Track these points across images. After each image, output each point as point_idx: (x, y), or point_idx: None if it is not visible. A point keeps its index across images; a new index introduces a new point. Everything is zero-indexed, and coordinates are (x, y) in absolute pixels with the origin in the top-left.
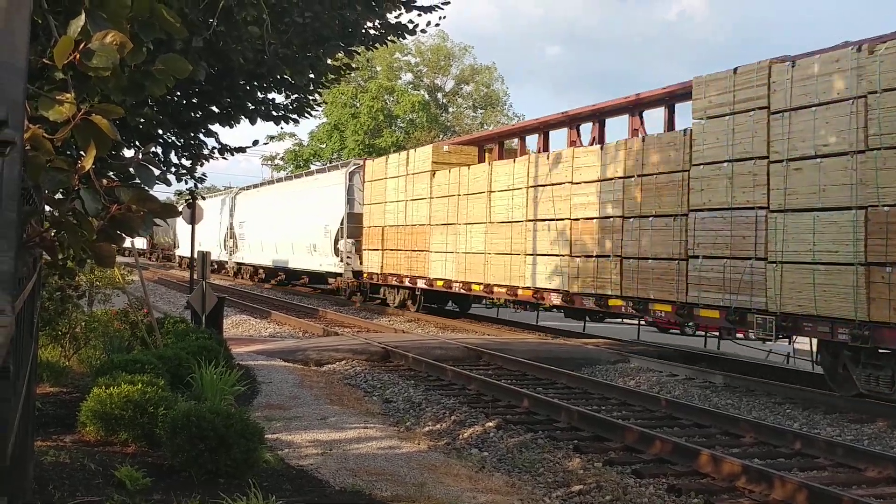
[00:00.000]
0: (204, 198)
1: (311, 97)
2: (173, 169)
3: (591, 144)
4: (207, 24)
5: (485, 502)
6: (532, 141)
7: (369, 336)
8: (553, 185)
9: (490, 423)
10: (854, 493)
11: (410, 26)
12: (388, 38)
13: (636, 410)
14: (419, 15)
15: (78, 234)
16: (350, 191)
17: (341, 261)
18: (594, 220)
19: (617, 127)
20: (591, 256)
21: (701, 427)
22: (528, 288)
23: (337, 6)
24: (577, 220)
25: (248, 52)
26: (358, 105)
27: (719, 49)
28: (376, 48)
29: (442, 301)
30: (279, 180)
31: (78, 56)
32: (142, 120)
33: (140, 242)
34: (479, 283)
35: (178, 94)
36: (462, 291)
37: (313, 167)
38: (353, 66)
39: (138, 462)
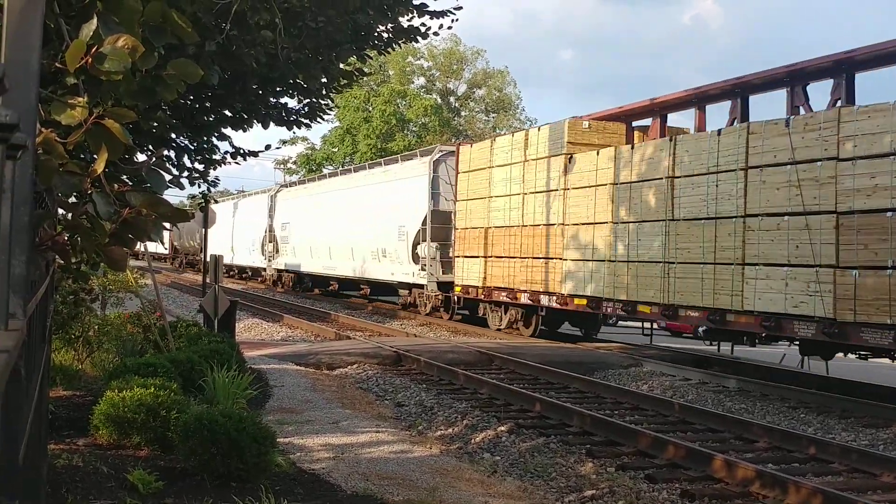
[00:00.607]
0: (242, 192)
1: (323, 101)
2: (186, 173)
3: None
4: (220, 28)
5: None
6: (686, 117)
7: (381, 340)
8: (802, 162)
9: (502, 428)
10: (869, 499)
11: (423, 30)
12: (401, 41)
13: (649, 415)
14: (431, 18)
15: (91, 238)
16: (434, 184)
17: (422, 269)
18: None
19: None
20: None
21: (714, 432)
22: (750, 313)
23: (349, 10)
24: (852, 213)
25: (261, 57)
26: (370, 109)
27: (735, 51)
28: (388, 52)
29: (558, 322)
30: (332, 174)
31: (90, 60)
32: (155, 124)
33: (161, 247)
34: (651, 304)
35: (191, 98)
36: (620, 312)
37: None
38: (366, 70)
39: (151, 465)
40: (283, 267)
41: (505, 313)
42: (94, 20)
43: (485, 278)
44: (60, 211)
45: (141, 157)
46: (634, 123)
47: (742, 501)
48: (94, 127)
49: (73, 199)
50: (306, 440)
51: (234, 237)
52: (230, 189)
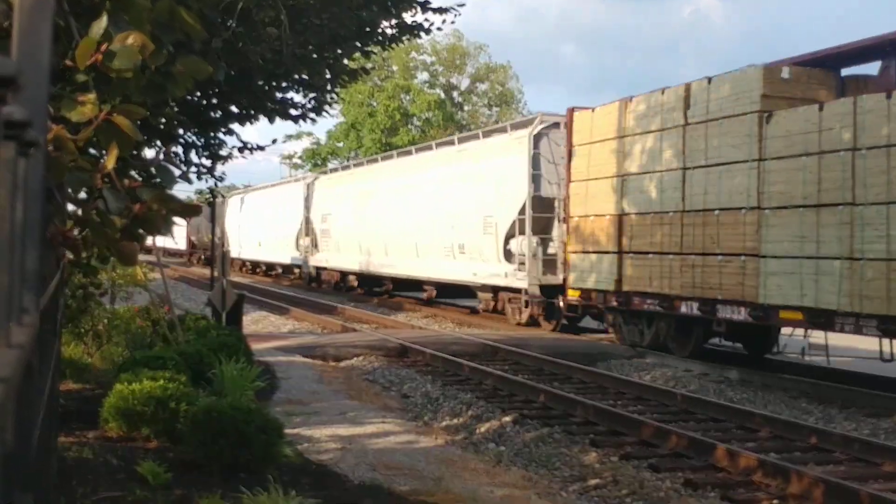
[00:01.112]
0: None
1: (328, 96)
2: (193, 168)
3: None
4: (226, 25)
5: (502, 496)
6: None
7: (387, 332)
8: None
9: (507, 418)
10: (871, 488)
11: (426, 26)
12: (404, 37)
13: (652, 405)
14: (434, 14)
15: (102, 233)
16: (535, 163)
17: (518, 269)
18: None
19: None
20: None
21: (717, 421)
22: None
23: (354, 7)
24: None
25: (267, 53)
26: (374, 104)
27: (736, 45)
28: (392, 48)
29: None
30: (386, 156)
31: (100, 57)
32: (163, 120)
33: (179, 242)
34: None
35: (199, 94)
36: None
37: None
38: (370, 66)
39: (160, 457)
40: (323, 264)
41: (649, 327)
42: (104, 18)
43: (620, 279)
44: (70, 206)
45: (149, 153)
46: (845, 71)
47: (744, 490)
48: (105, 123)
49: (82, 195)
50: (314, 431)
51: (261, 231)
52: (236, 184)
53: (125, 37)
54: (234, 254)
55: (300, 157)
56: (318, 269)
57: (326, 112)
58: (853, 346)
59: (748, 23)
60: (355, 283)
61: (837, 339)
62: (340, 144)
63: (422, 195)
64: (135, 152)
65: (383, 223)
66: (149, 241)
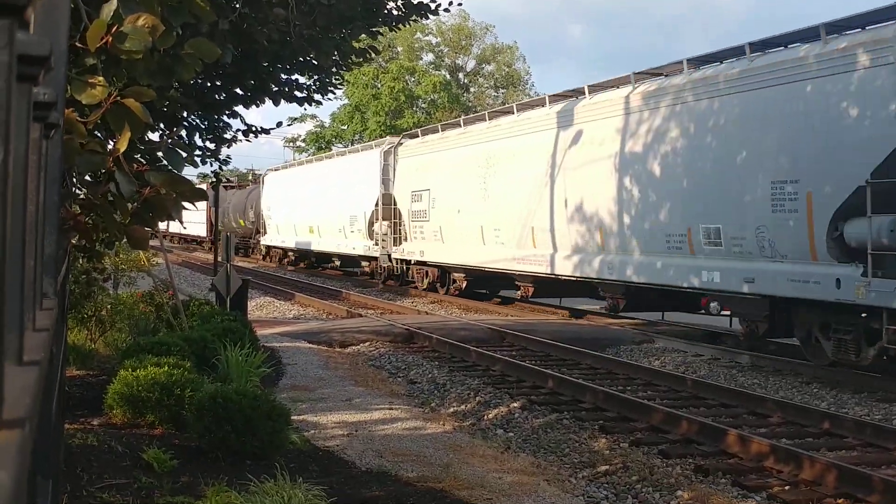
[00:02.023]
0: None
1: (334, 78)
2: (197, 151)
3: None
4: (233, 6)
5: (511, 483)
6: None
7: (393, 318)
8: None
9: (515, 404)
10: (884, 473)
11: (433, 6)
12: (411, 18)
13: (662, 391)
14: None
15: (112, 217)
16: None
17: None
18: None
19: None
20: None
21: (727, 407)
22: None
23: None
24: None
25: (274, 34)
26: (379, 86)
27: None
28: (399, 28)
29: None
30: (522, 107)
31: (111, 39)
32: (167, 103)
33: (196, 227)
34: None
35: (203, 76)
36: None
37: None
38: (378, 48)
39: (165, 444)
40: (413, 256)
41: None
42: (115, 0)
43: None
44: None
45: (153, 137)
46: None
47: (756, 476)
48: (115, 106)
49: (88, 178)
50: (320, 417)
51: (313, 214)
52: (239, 168)
53: (136, 18)
54: (271, 241)
55: (304, 141)
56: (404, 262)
57: (332, 93)
58: None
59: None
60: (463, 284)
61: None
62: (345, 127)
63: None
64: (140, 136)
65: (541, 200)
66: (162, 225)
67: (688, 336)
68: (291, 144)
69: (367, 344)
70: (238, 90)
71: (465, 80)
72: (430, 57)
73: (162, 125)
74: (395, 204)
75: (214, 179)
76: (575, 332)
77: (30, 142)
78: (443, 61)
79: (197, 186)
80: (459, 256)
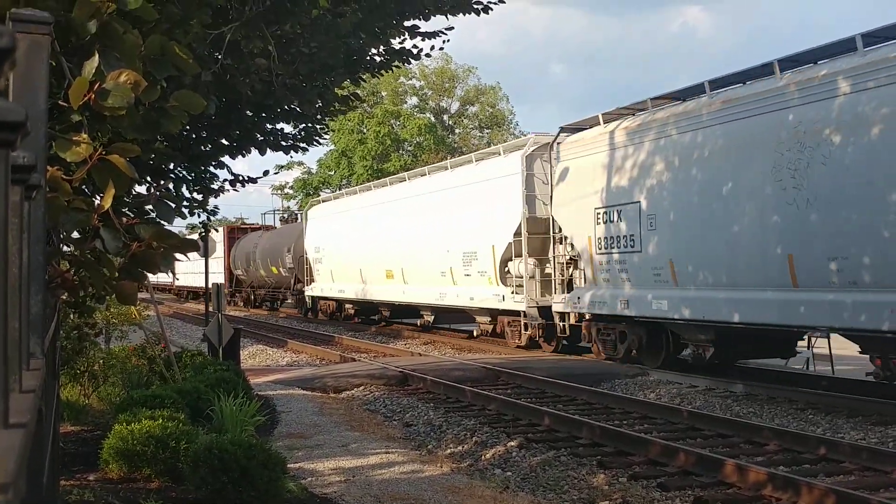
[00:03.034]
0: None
1: (318, 125)
2: (185, 203)
3: None
4: (215, 58)
5: None
6: None
7: (386, 360)
8: None
9: (512, 443)
10: (882, 497)
11: (415, 51)
12: (393, 64)
13: (658, 423)
14: (423, 40)
15: (100, 273)
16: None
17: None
18: None
19: None
20: None
21: (724, 437)
22: None
23: (342, 35)
24: None
25: (256, 84)
26: (364, 131)
27: (724, 55)
28: (381, 74)
29: None
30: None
31: (93, 96)
32: (153, 155)
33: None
34: None
35: (188, 128)
36: None
37: None
38: (361, 95)
39: (162, 497)
40: (604, 309)
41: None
42: (96, 56)
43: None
44: (65, 248)
45: (139, 190)
46: None
47: None
48: (100, 163)
49: (75, 235)
50: (316, 464)
51: (393, 252)
52: (228, 217)
53: (118, 75)
54: (322, 290)
55: (291, 188)
56: (587, 319)
57: (317, 141)
58: (857, 357)
59: (736, 35)
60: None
61: (840, 350)
62: (332, 173)
63: None
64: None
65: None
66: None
67: (682, 367)
68: (279, 192)
69: (362, 388)
70: (224, 141)
71: (450, 122)
72: (414, 100)
73: (148, 178)
74: (562, 232)
75: (203, 230)
76: (569, 368)
77: (10, 205)
78: (427, 104)
79: (188, 237)
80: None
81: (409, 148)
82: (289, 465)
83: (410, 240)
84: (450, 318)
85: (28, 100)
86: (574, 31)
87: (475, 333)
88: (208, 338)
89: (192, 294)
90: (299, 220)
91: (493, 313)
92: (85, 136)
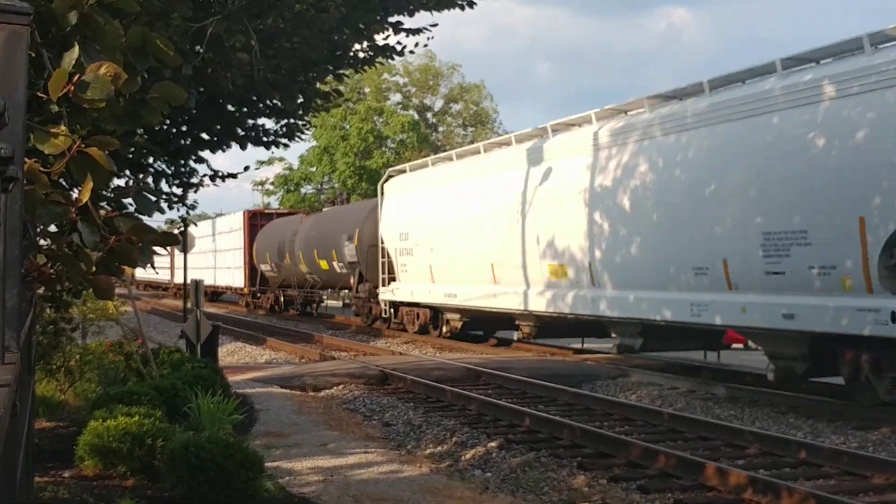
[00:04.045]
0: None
1: (300, 121)
2: (164, 197)
3: None
4: (196, 51)
5: None
6: None
7: (367, 359)
8: None
9: (492, 444)
10: (862, 501)
11: (398, 48)
12: (377, 60)
13: (639, 425)
14: (407, 36)
15: (77, 268)
16: None
17: None
18: None
19: None
20: None
21: (705, 440)
22: None
23: (325, 30)
24: None
25: (238, 79)
26: (347, 127)
27: (710, 56)
28: (365, 70)
29: None
30: None
31: (73, 88)
32: (132, 149)
33: (221, 274)
34: None
35: (168, 121)
36: None
37: None
38: (343, 91)
39: (138, 495)
40: None
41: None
42: (76, 48)
43: None
44: (42, 241)
45: (118, 183)
46: None
47: None
48: (79, 155)
49: (53, 228)
50: (294, 464)
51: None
52: (207, 213)
53: (97, 67)
54: (411, 294)
55: (272, 184)
56: None
57: (299, 137)
58: None
59: (723, 39)
60: None
61: None
62: (313, 169)
63: None
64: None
65: None
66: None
67: (663, 369)
68: (260, 187)
69: (341, 387)
70: (204, 135)
71: (434, 120)
72: (397, 97)
73: (128, 172)
74: None
75: (183, 225)
76: (551, 369)
77: None
78: (410, 101)
79: (168, 231)
80: None
81: (391, 145)
82: (266, 464)
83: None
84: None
85: (6, 91)
86: (559, 30)
87: None
88: (186, 334)
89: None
90: (360, 198)
91: None
92: (64, 128)
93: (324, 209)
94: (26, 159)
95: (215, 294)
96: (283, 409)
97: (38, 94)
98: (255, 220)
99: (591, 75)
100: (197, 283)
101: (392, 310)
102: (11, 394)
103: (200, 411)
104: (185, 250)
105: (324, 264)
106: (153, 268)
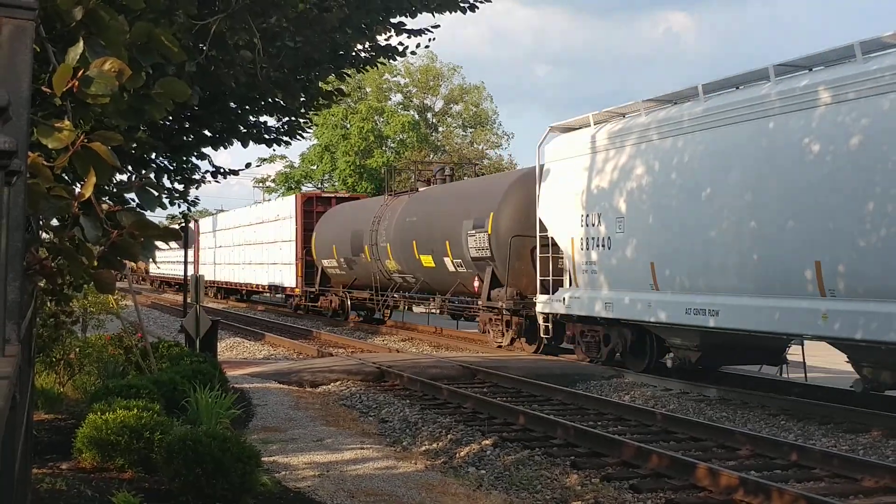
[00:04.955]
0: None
1: (302, 120)
2: (166, 192)
3: None
4: (199, 48)
5: None
6: None
7: (364, 356)
8: None
9: (487, 441)
10: (851, 503)
11: (400, 48)
12: (379, 60)
13: (632, 425)
14: (409, 37)
15: (78, 262)
16: None
17: None
18: None
19: None
20: None
21: (697, 441)
22: None
23: (328, 29)
24: None
25: (241, 76)
26: (348, 126)
27: (707, 61)
28: (367, 70)
29: None
30: None
31: (77, 84)
32: (135, 144)
33: (274, 272)
34: None
35: (171, 118)
36: None
37: None
38: (345, 90)
39: (135, 488)
40: None
41: None
42: (81, 43)
43: None
44: (44, 235)
45: (122, 178)
46: None
47: None
48: (82, 150)
49: (55, 222)
50: (291, 458)
51: None
52: (209, 209)
53: (102, 62)
54: (595, 306)
55: (273, 181)
56: None
57: (300, 135)
58: (830, 364)
59: (721, 42)
60: None
61: (813, 358)
62: (314, 167)
63: None
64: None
65: None
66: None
67: (657, 371)
68: (261, 185)
69: (338, 383)
70: (206, 132)
71: (434, 120)
72: (398, 97)
73: (130, 167)
74: None
75: (183, 221)
76: (546, 368)
77: None
78: (411, 101)
79: (171, 226)
80: None
81: (392, 145)
82: (263, 459)
83: None
84: None
85: (11, 85)
86: (559, 33)
87: None
88: (185, 329)
89: (229, 291)
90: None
91: None
92: (67, 123)
93: (418, 189)
94: (30, 153)
95: (247, 293)
96: (280, 404)
97: (43, 88)
98: (311, 206)
99: (591, 78)
100: (197, 279)
101: (549, 325)
102: (11, 386)
103: (198, 405)
104: (185, 246)
105: (427, 260)
106: (154, 262)
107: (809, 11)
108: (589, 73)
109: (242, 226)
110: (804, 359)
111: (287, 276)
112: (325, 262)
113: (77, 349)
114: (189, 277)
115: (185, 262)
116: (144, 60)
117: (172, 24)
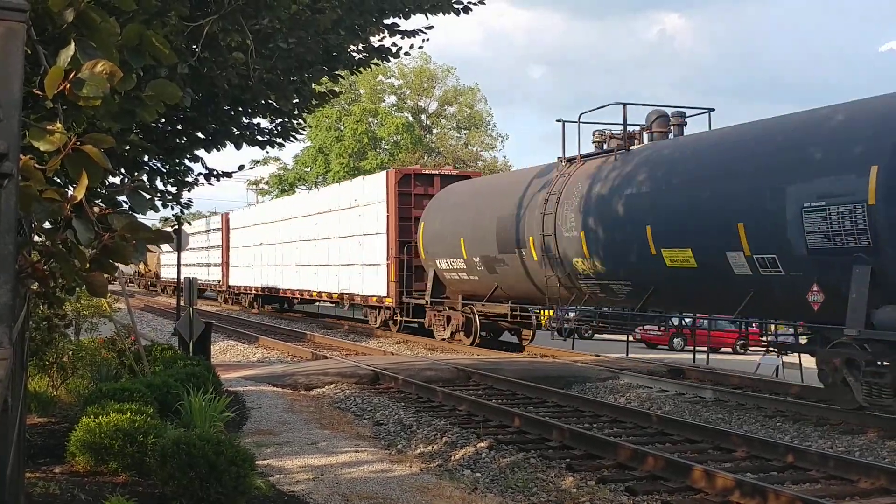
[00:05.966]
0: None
1: (295, 121)
2: (159, 195)
3: None
4: (192, 50)
5: None
6: None
7: (358, 359)
8: None
9: (482, 444)
10: None
11: (394, 50)
12: (372, 61)
13: (627, 427)
14: (402, 38)
15: (70, 264)
16: None
17: None
18: None
19: None
20: None
21: (693, 442)
22: None
23: (321, 31)
24: None
25: (233, 78)
26: (342, 128)
27: (702, 65)
28: (360, 72)
29: None
30: None
31: (69, 86)
32: (127, 147)
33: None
34: None
35: (163, 120)
36: None
37: None
38: (338, 91)
39: (129, 491)
40: None
41: None
42: (72, 45)
43: None
44: (37, 237)
45: (114, 180)
46: None
47: None
48: (74, 153)
49: (47, 225)
50: (285, 462)
51: None
52: (202, 211)
53: (94, 64)
54: None
55: (267, 183)
56: None
57: (294, 137)
58: None
59: (717, 45)
60: None
61: (810, 360)
62: (308, 169)
63: None
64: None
65: None
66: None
67: (652, 372)
68: (255, 187)
69: (333, 386)
70: (199, 134)
71: (428, 122)
72: (392, 99)
73: (122, 170)
74: None
75: (176, 223)
76: (541, 370)
77: None
78: (405, 103)
79: (164, 229)
80: None
81: (386, 147)
82: (257, 462)
83: None
84: None
85: (2, 88)
86: (554, 35)
87: None
88: (179, 332)
89: (267, 298)
90: None
91: None
92: (59, 125)
93: (631, 148)
94: (22, 156)
95: (296, 302)
96: (274, 407)
97: (34, 91)
98: (408, 186)
99: (585, 80)
100: (190, 281)
101: None
102: (3, 389)
103: (192, 409)
104: (178, 249)
105: (676, 257)
106: (145, 264)
107: (809, 11)
108: (584, 75)
109: (293, 217)
110: (800, 360)
111: (371, 282)
112: (443, 264)
113: (70, 352)
114: (182, 280)
115: (179, 265)
116: (136, 63)
117: (164, 25)
